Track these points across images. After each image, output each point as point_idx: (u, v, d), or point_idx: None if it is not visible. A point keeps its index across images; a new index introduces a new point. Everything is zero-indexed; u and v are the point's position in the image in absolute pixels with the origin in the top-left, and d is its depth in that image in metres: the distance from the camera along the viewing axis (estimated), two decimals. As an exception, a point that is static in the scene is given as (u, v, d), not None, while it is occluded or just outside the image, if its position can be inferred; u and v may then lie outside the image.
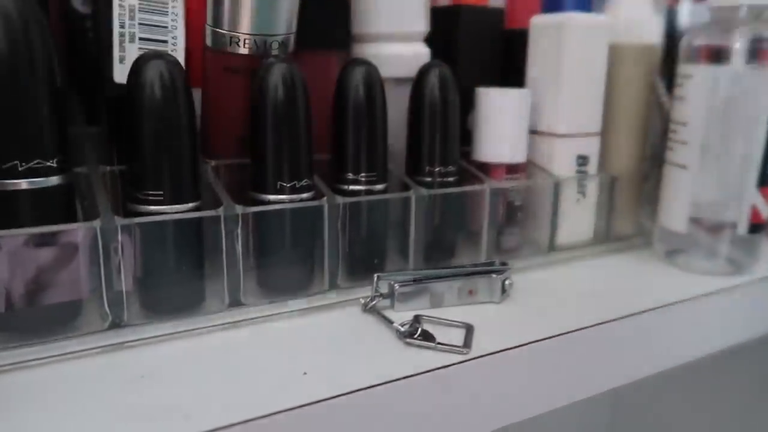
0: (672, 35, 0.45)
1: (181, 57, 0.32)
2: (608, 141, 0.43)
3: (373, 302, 0.33)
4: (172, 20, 0.32)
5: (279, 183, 0.31)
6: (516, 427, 0.31)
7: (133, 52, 0.31)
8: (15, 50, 0.25)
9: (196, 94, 0.31)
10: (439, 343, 0.29)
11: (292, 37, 0.35)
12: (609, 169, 0.44)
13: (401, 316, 0.32)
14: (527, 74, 0.42)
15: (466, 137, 0.41)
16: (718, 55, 0.37)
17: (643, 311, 0.34)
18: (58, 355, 0.27)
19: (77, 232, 0.27)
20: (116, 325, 0.29)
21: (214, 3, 0.32)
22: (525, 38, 0.42)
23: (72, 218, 0.28)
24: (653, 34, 0.43)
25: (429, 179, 0.37)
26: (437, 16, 0.42)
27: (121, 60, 0.31)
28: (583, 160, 0.42)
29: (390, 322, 0.31)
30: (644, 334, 0.35)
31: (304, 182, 0.32)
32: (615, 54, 0.41)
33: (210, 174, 0.33)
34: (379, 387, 0.26)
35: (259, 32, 0.33)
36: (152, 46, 0.31)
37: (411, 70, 0.37)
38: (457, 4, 0.44)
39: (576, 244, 0.43)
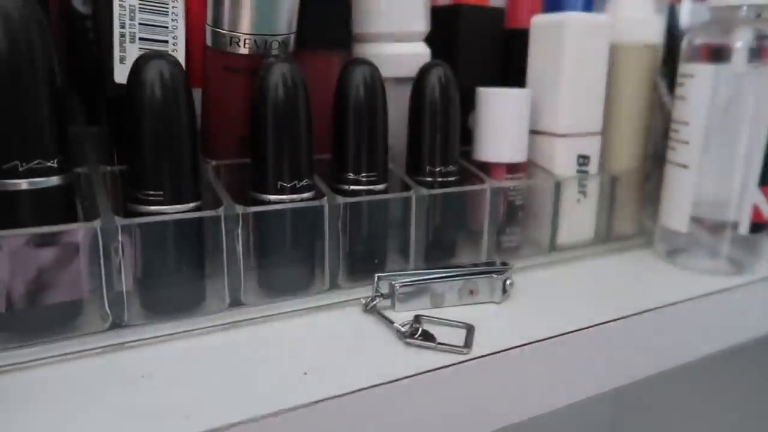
0: (673, 34, 0.45)
1: (181, 57, 0.32)
2: (609, 140, 0.43)
3: (374, 302, 0.33)
4: (173, 20, 0.32)
5: (279, 183, 0.31)
6: (516, 427, 0.31)
7: (133, 52, 0.31)
8: (15, 50, 0.25)
9: (197, 94, 0.31)
10: (439, 343, 0.29)
11: (293, 37, 0.35)
12: (610, 169, 0.43)
13: (402, 316, 0.32)
14: (528, 74, 0.42)
15: (467, 137, 0.41)
16: (719, 55, 0.37)
17: (644, 311, 0.34)
18: (59, 356, 0.27)
19: (78, 232, 0.27)
20: (116, 325, 0.29)
21: (215, 3, 0.32)
22: (526, 38, 0.42)
23: (72, 218, 0.28)
24: (654, 33, 0.43)
25: (429, 179, 0.37)
26: (437, 15, 0.42)
27: (122, 60, 0.31)
28: (583, 159, 0.42)
29: (390, 322, 0.31)
30: (645, 334, 0.35)
31: (304, 182, 0.32)
32: (616, 53, 0.41)
33: (210, 174, 0.33)
34: (379, 387, 0.26)
35: (259, 32, 0.33)
36: (152, 46, 0.31)
37: (411, 70, 0.37)
38: (458, 4, 0.43)
39: (577, 244, 0.43)
